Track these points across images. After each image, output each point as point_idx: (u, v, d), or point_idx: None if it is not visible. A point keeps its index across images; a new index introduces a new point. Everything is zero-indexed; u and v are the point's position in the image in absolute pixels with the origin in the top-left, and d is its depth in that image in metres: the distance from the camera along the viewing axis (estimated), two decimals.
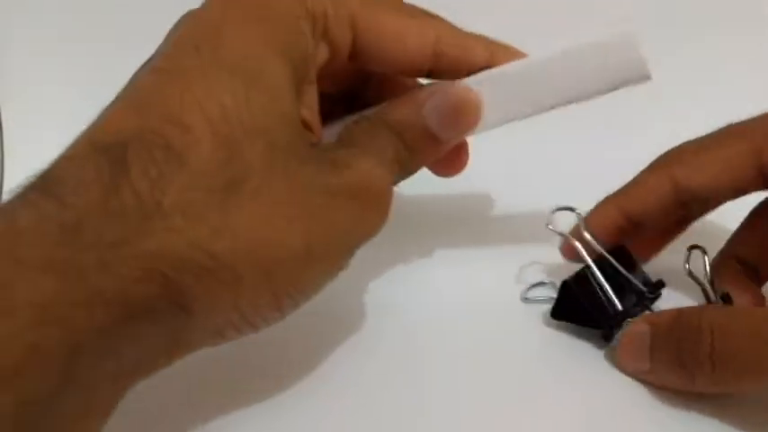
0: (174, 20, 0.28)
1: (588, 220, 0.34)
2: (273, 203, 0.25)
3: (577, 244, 0.33)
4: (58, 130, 0.42)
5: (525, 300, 0.36)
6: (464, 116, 0.31)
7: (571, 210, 0.34)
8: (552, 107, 0.31)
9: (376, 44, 0.29)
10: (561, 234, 0.34)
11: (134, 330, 0.23)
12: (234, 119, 0.25)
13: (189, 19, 0.27)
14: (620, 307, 0.32)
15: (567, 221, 0.35)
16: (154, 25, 0.46)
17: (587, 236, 0.34)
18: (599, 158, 0.41)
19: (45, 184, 0.23)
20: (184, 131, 0.24)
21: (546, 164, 0.44)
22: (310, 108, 0.28)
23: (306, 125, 0.28)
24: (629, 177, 0.36)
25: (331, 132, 0.30)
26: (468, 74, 0.31)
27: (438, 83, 0.31)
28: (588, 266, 0.33)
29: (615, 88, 0.31)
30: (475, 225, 0.41)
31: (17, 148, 0.41)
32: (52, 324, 0.21)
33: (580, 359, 0.33)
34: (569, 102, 0.31)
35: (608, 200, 0.35)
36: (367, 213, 0.28)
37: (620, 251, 0.34)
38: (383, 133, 0.29)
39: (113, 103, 0.26)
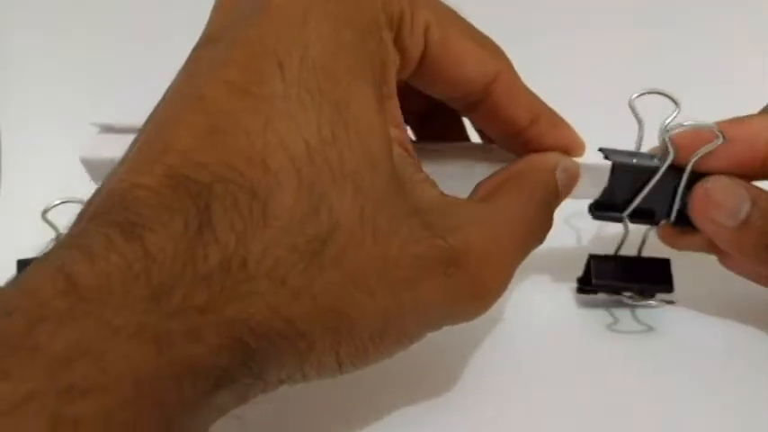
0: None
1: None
2: (356, 270, 0.23)
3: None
4: (57, 129, 0.42)
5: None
6: (571, 189, 0.30)
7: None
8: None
9: (438, 62, 0.27)
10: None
11: (214, 401, 0.22)
12: (319, 159, 0.22)
13: (264, 9, 0.24)
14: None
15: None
16: (153, 24, 0.46)
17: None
18: None
19: (125, 220, 0.21)
20: (267, 173, 0.22)
21: None
22: (396, 124, 0.26)
23: (396, 142, 0.25)
24: None
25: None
26: (506, 124, 0.29)
27: (549, 154, 0.30)
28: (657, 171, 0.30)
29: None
30: None
31: (16, 148, 0.41)
32: (148, 401, 0.19)
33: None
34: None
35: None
36: (462, 295, 0.25)
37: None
38: (525, 190, 0.28)
39: (174, 106, 0.23)
